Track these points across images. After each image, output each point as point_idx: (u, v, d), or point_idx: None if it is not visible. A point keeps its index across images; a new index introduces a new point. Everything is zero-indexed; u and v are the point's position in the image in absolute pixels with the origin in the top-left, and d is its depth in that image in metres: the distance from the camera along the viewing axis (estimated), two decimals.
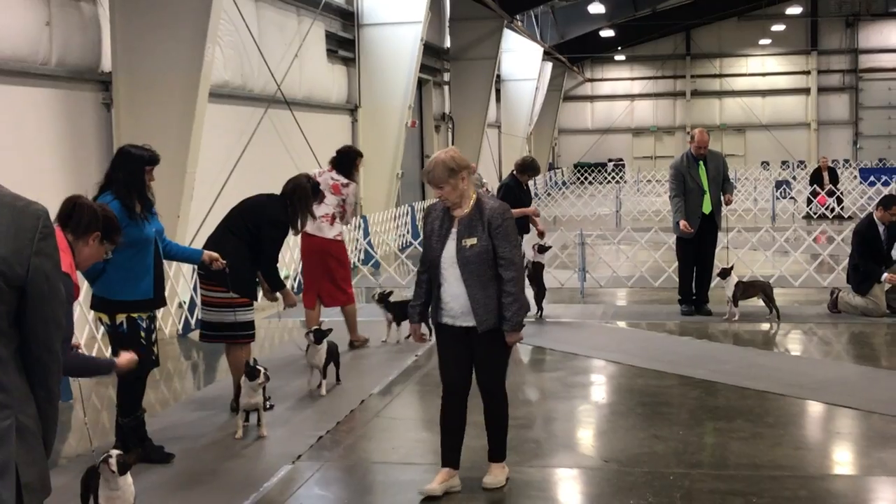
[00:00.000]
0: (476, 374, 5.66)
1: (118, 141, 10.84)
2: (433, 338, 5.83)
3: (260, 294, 7.82)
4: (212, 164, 13.17)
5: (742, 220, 22.76)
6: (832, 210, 23.77)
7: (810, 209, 24.32)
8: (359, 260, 15.66)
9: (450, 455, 5.66)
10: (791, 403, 7.52)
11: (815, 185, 24.66)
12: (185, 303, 11.05)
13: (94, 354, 8.09)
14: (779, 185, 28.87)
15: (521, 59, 35.72)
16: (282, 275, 7.79)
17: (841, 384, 8.03)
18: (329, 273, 9.51)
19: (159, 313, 6.67)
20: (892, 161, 42.76)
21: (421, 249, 5.88)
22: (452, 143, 28.10)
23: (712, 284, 11.46)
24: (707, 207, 11.03)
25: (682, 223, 10.93)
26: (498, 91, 34.39)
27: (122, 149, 6.40)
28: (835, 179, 24.82)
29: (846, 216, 23.26)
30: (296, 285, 12.67)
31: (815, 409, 7.48)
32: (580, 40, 40.44)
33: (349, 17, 20.60)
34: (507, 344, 5.57)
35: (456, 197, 5.49)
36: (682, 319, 11.07)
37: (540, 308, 11.04)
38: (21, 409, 2.75)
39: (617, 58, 49.68)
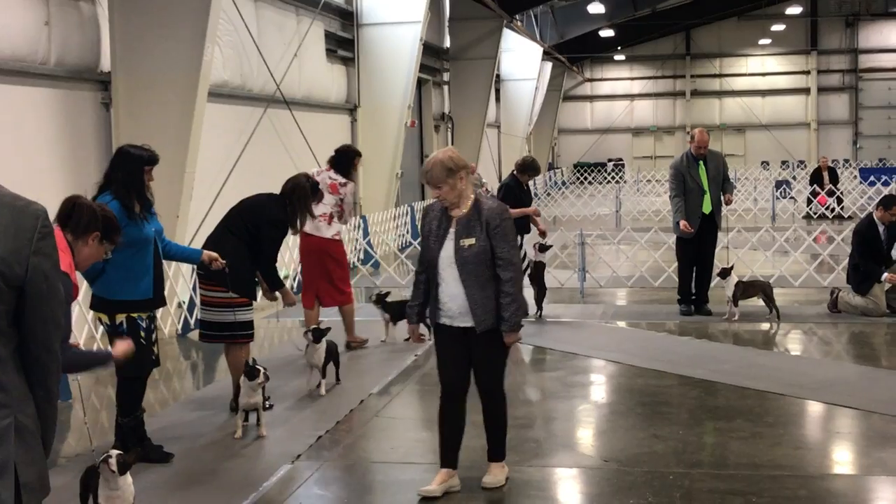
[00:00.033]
0: (474, 375, 5.64)
1: (117, 141, 10.84)
2: (432, 338, 5.83)
3: (259, 294, 7.82)
4: (211, 164, 13.17)
5: (742, 219, 22.75)
6: (832, 210, 23.76)
7: (810, 209, 24.31)
8: (358, 260, 15.65)
9: (449, 455, 5.65)
10: (791, 403, 7.52)
11: (815, 185, 24.65)
12: (184, 303, 11.04)
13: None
14: (779, 184, 28.86)
15: (521, 58, 35.71)
16: (281, 274, 7.79)
17: (841, 384, 8.02)
18: (327, 273, 9.49)
19: (159, 313, 6.66)
20: (891, 161, 42.75)
21: (420, 249, 5.88)
22: (452, 143, 28.09)
23: (712, 284, 11.46)
24: (707, 207, 11.02)
25: (682, 223, 10.92)
26: (497, 91, 34.37)
27: (122, 149, 6.40)
28: (835, 179, 24.82)
29: (846, 216, 23.25)
30: (295, 285, 12.67)
31: (814, 408, 7.48)
32: (580, 40, 40.44)
33: (348, 17, 20.60)
34: (506, 344, 5.56)
35: (454, 197, 5.48)
36: (681, 319, 11.07)
37: (540, 308, 11.03)
38: (20, 409, 2.74)
39: (616, 58, 49.68)
